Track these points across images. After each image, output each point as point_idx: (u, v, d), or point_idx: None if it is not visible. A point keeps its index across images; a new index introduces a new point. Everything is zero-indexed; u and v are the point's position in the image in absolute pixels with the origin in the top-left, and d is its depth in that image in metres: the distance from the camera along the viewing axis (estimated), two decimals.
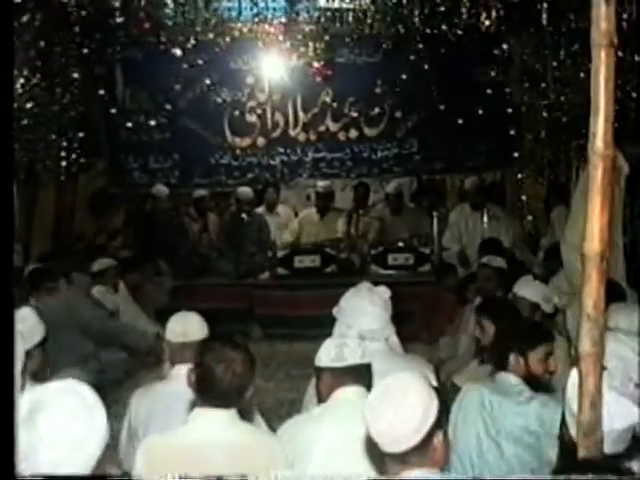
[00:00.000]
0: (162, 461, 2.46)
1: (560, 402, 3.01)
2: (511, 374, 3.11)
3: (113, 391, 4.94)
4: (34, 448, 1.83)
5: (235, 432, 2.53)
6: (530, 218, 8.45)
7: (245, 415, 2.66)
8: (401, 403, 2.07)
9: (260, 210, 8.18)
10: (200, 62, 8.30)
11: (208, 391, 2.52)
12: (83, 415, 1.90)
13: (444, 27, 7.72)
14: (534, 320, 3.65)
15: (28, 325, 3.28)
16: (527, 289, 4.24)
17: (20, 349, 2.65)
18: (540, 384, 3.12)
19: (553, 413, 2.92)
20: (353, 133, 8.76)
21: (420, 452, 2.06)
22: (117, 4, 7.31)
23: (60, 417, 1.87)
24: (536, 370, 3.10)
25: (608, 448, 2.12)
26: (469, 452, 3.03)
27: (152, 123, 8.57)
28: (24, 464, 1.86)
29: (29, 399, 1.90)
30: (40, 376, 3.09)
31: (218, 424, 2.50)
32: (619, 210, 4.44)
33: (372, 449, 2.18)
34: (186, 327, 3.37)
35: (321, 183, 8.22)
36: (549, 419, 2.92)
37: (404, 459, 2.06)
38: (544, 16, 7.69)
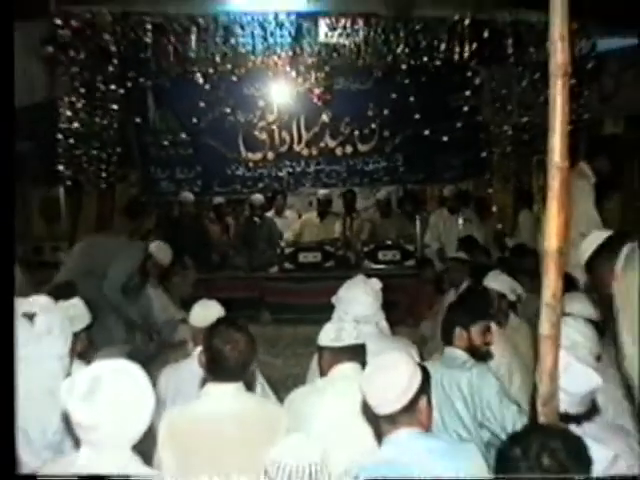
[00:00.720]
0: (181, 430, 2.44)
1: (492, 372, 3.04)
2: (456, 348, 3.10)
3: (145, 367, 4.93)
4: (94, 422, 1.84)
5: (242, 402, 2.51)
6: (499, 220, 8.46)
7: (249, 387, 2.66)
8: (391, 372, 2.12)
9: (270, 214, 8.18)
10: (219, 89, 8.33)
11: (217, 367, 2.50)
12: (135, 394, 1.90)
13: (425, 59, 7.72)
14: (475, 300, 3.64)
15: (77, 311, 3.28)
16: (495, 281, 4.24)
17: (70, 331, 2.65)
18: (480, 353, 3.12)
19: (487, 381, 2.95)
20: (348, 149, 8.78)
21: (408, 413, 2.11)
22: (149, 40, 7.31)
23: (116, 395, 1.87)
24: (476, 341, 3.10)
25: (572, 409, 2.17)
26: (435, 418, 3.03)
27: (178, 140, 8.59)
28: (83, 434, 1.87)
29: (88, 376, 1.90)
30: (86, 356, 3.09)
31: (227, 396, 2.49)
32: (589, 210, 4.41)
33: (368, 412, 2.21)
34: (206, 313, 3.37)
35: (321, 191, 8.22)
36: (484, 386, 2.94)
37: (395, 419, 2.11)
38: (509, 50, 7.71)
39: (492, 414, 2.92)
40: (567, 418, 2.17)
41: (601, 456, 2.07)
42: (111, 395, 1.85)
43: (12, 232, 1.68)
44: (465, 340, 3.10)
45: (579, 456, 1.63)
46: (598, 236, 2.95)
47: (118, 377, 1.90)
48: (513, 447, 1.65)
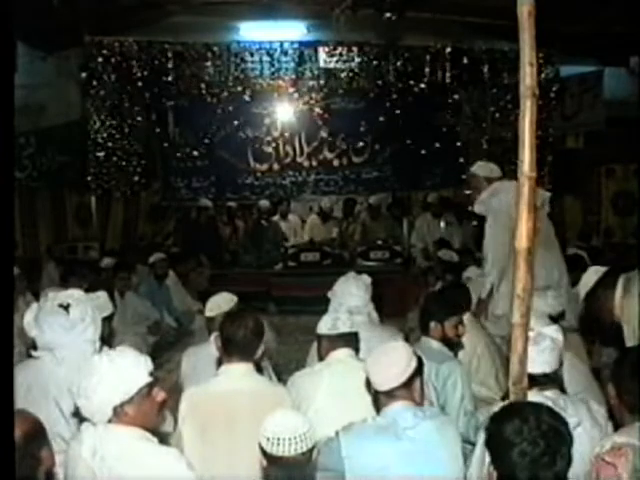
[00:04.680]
0: (199, 406, 2.43)
1: (460, 367, 2.98)
2: (431, 338, 3.06)
3: (167, 352, 4.93)
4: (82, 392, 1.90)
5: (252, 382, 2.50)
6: (475, 223, 8.44)
7: (259, 369, 2.64)
8: (392, 355, 2.18)
9: (275, 218, 8.16)
10: (230, 108, 8.35)
11: (230, 349, 2.49)
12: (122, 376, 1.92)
13: (411, 83, 7.74)
14: (449, 297, 3.59)
15: (101, 302, 3.26)
16: (473, 275, 4.22)
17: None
18: (452, 344, 3.08)
19: (453, 378, 2.88)
20: (344, 160, 8.82)
21: (404, 390, 2.15)
22: (170, 66, 7.33)
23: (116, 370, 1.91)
24: (449, 334, 3.06)
25: (540, 368, 2.23)
26: None
27: (195, 153, 8.60)
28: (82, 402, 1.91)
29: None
30: (107, 341, 3.06)
31: (240, 376, 2.47)
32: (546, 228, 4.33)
33: (370, 389, 2.25)
34: (222, 304, 3.34)
35: (325, 200, 8.21)
36: (449, 380, 2.87)
37: (393, 394, 2.15)
38: (485, 75, 7.73)
39: (452, 405, 2.87)
40: (539, 378, 2.23)
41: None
42: (96, 376, 1.90)
43: (12, 233, 1.65)
44: (439, 332, 3.06)
45: (560, 418, 1.66)
46: (595, 272, 3.00)
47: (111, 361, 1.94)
48: (510, 421, 1.62)
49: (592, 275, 2.99)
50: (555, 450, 1.57)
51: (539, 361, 2.22)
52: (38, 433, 1.75)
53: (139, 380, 1.93)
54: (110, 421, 1.91)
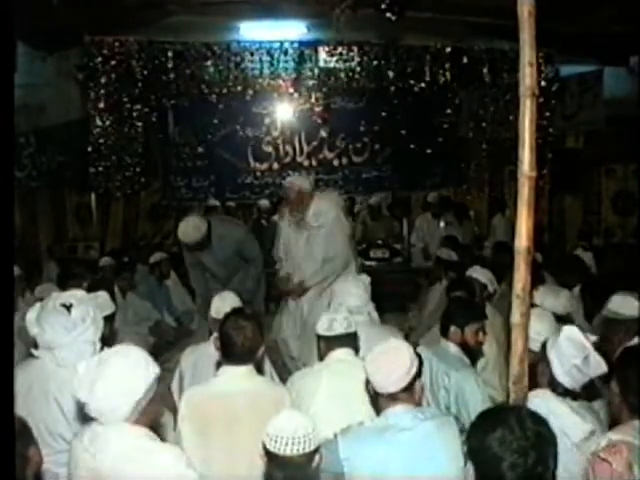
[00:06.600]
0: (198, 406, 2.42)
1: (475, 375, 2.92)
2: (450, 342, 3.02)
3: (167, 352, 4.92)
4: (93, 392, 1.87)
5: (252, 383, 2.48)
6: (475, 223, 8.46)
7: (259, 370, 2.63)
8: (395, 358, 2.15)
9: (275, 217, 8.15)
10: (231, 108, 8.34)
11: (228, 351, 2.48)
12: (127, 373, 1.90)
13: (411, 82, 7.74)
14: (472, 303, 3.55)
15: (102, 301, 3.25)
16: (477, 273, 4.19)
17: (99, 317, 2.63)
18: (471, 350, 3.03)
19: (470, 386, 2.83)
20: (344, 160, 8.81)
21: (406, 393, 2.14)
22: (170, 65, 7.33)
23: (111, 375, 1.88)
24: (469, 340, 3.00)
25: (578, 386, 2.21)
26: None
27: (195, 153, 8.59)
28: (85, 395, 1.89)
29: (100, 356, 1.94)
30: (108, 341, 3.06)
31: (239, 377, 2.46)
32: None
33: (370, 391, 2.23)
34: (222, 304, 3.32)
35: None
36: (466, 388, 2.83)
37: (394, 397, 2.14)
38: (485, 74, 7.74)
39: (471, 414, 2.82)
40: (570, 393, 2.22)
41: (580, 429, 2.11)
42: (107, 376, 1.87)
43: (12, 233, 1.63)
44: (459, 337, 3.01)
45: (542, 420, 1.63)
46: None
47: (116, 360, 1.91)
48: (493, 432, 1.58)
49: None
50: (546, 456, 1.55)
51: (585, 382, 2.21)
52: (24, 432, 1.73)
53: (144, 381, 1.91)
54: (113, 420, 1.90)
